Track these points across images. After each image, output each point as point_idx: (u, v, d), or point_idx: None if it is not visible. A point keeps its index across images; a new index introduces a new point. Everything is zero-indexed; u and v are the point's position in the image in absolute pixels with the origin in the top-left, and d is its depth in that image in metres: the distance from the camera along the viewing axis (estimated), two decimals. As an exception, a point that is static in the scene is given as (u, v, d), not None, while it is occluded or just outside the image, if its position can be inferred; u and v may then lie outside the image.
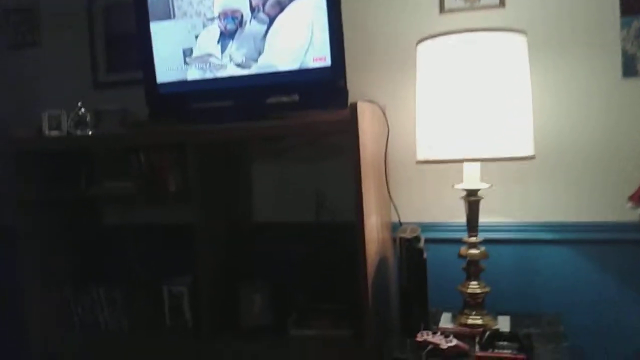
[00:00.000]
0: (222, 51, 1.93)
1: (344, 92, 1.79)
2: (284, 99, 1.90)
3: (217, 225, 2.03)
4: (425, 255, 1.70)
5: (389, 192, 1.98)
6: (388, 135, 1.97)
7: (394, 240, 1.87)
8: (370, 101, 1.86)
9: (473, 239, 1.71)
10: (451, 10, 1.98)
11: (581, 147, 1.88)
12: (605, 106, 1.85)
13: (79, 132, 2.09)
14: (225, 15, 1.92)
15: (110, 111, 2.20)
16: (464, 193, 1.71)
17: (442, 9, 1.99)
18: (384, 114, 1.96)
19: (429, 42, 1.63)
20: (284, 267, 2.06)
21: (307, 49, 1.83)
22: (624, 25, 1.83)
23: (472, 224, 1.72)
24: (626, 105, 1.84)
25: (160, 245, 2.27)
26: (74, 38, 2.48)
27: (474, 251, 1.71)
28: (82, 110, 2.10)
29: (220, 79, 1.95)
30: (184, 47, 1.98)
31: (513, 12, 1.92)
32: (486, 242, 1.73)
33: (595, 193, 1.88)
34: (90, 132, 2.10)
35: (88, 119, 2.11)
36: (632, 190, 1.66)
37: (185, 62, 1.98)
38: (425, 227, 1.90)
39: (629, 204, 1.64)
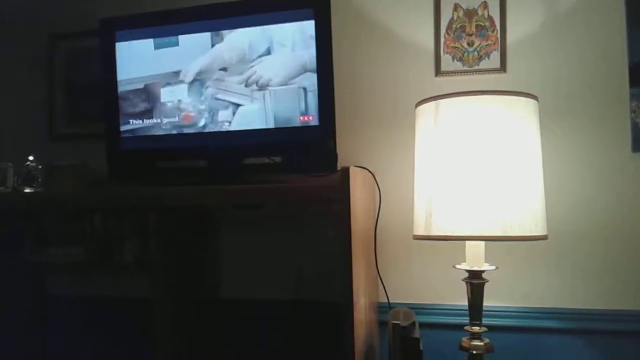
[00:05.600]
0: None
1: (333, 155, 1.61)
2: (264, 160, 1.72)
3: (178, 301, 1.80)
4: (421, 346, 1.46)
5: (377, 269, 1.77)
6: (380, 206, 1.77)
7: (380, 324, 1.71)
8: (361, 167, 1.66)
9: (476, 329, 1.49)
10: (448, 73, 1.84)
11: (593, 227, 1.72)
12: (615, 184, 1.71)
13: (26, 189, 1.84)
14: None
15: (65, 167, 1.97)
16: (466, 275, 1.50)
17: (438, 71, 1.85)
18: (376, 182, 1.76)
19: (431, 103, 1.45)
20: (256, 352, 1.84)
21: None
22: (634, 96, 1.71)
23: (476, 310, 1.51)
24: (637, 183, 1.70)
25: (112, 321, 1.98)
26: (32, 83, 2.28)
27: (477, 343, 1.48)
28: (33, 164, 1.86)
29: (191, 135, 1.76)
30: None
31: (514, 78, 1.79)
32: (490, 329, 1.53)
33: (607, 278, 1.70)
34: (39, 190, 1.85)
35: (39, 174, 1.86)
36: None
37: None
38: (418, 309, 1.72)
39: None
